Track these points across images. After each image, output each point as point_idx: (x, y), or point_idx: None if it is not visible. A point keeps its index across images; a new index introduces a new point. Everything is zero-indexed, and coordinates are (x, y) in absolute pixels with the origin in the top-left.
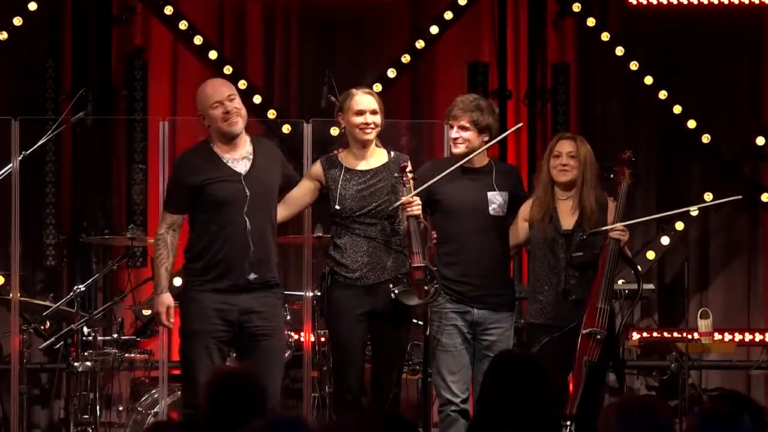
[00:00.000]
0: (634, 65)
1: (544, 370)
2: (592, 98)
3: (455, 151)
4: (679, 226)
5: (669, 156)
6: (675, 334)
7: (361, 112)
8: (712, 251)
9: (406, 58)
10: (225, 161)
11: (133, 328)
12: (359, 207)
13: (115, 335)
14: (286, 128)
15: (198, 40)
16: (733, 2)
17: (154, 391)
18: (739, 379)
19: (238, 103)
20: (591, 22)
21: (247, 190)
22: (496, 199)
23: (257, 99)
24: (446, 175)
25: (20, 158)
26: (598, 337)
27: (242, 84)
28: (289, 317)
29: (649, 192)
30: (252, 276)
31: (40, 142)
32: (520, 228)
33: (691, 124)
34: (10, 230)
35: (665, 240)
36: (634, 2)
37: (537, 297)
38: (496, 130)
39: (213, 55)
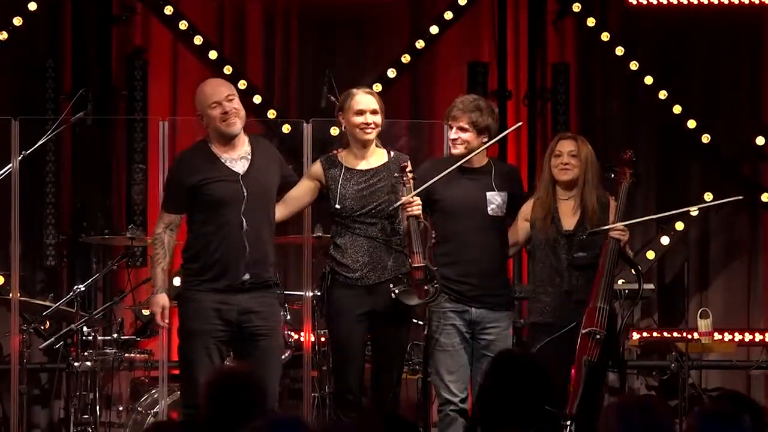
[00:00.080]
0: (634, 65)
1: (544, 370)
2: (592, 98)
3: (454, 152)
4: (679, 226)
5: (669, 156)
6: (675, 334)
7: (361, 112)
8: (712, 251)
9: (406, 58)
10: (223, 161)
11: (133, 328)
12: (359, 206)
13: (115, 335)
14: (286, 128)
15: (198, 40)
16: (733, 2)
17: (154, 391)
18: (739, 379)
19: (237, 103)
20: (591, 22)
21: (244, 190)
22: (494, 200)
23: (257, 99)
24: (446, 175)
25: (20, 158)
26: (598, 336)
27: (242, 84)
28: (289, 317)
29: (649, 192)
30: (246, 276)
31: (40, 142)
32: (521, 228)
33: (691, 124)
34: (10, 230)
35: (665, 240)
36: (634, 2)
37: (539, 297)
38: (496, 130)
39: (213, 55)
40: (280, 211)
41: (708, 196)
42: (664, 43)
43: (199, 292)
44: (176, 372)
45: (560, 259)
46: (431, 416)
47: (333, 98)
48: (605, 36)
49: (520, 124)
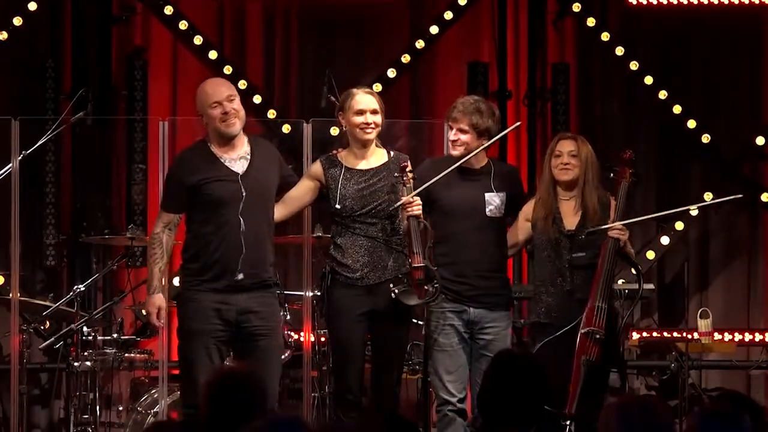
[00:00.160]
0: (634, 65)
1: (543, 370)
2: (592, 98)
3: (453, 153)
4: (679, 226)
5: (669, 156)
6: (675, 334)
7: (361, 112)
8: (712, 251)
9: (406, 58)
10: (222, 161)
11: (133, 328)
12: (360, 206)
13: (115, 335)
14: (286, 128)
15: (198, 40)
16: (733, 2)
17: (153, 391)
18: (739, 379)
19: (237, 104)
20: (591, 22)
21: (243, 190)
22: (493, 201)
23: (257, 99)
24: (446, 175)
25: (20, 158)
26: (597, 336)
27: (242, 84)
28: (289, 317)
29: (649, 192)
30: (240, 276)
31: (40, 142)
32: (522, 228)
33: (691, 124)
34: (10, 230)
35: (665, 240)
36: (634, 2)
37: (541, 297)
38: (496, 132)
39: (213, 55)
40: (280, 211)
41: (708, 196)
42: (664, 43)
43: (199, 292)
44: (176, 372)
45: (562, 259)
46: (431, 416)
47: (333, 98)
48: (605, 36)
49: (518, 123)
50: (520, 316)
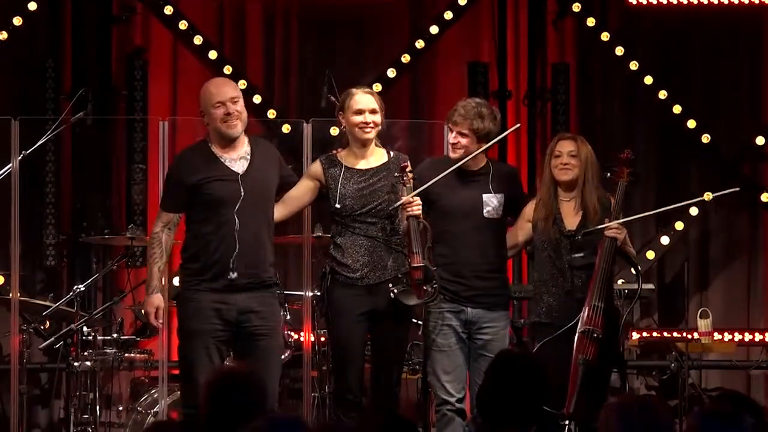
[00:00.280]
0: (634, 65)
1: (543, 370)
2: (592, 98)
3: (453, 155)
4: (679, 226)
5: (669, 156)
6: (675, 334)
7: (360, 111)
8: (712, 251)
9: (406, 58)
10: (223, 161)
11: (133, 328)
12: (360, 206)
13: (115, 335)
14: (286, 128)
15: (198, 40)
16: (733, 2)
17: (153, 391)
18: (739, 379)
19: (240, 106)
20: (591, 22)
21: (242, 190)
22: (491, 202)
23: (257, 99)
24: (445, 176)
25: (20, 158)
26: (594, 335)
27: (242, 84)
28: (288, 317)
29: (648, 192)
30: (234, 275)
31: (40, 142)
32: (523, 229)
33: (691, 124)
34: (10, 230)
35: (665, 240)
36: (634, 2)
37: (542, 297)
38: (496, 134)
39: (213, 55)
40: (280, 211)
41: (708, 197)
42: (664, 43)
43: (199, 292)
44: (176, 372)
45: (562, 259)
46: (431, 416)
47: (333, 98)
48: (605, 36)
49: (518, 125)
50: (520, 316)
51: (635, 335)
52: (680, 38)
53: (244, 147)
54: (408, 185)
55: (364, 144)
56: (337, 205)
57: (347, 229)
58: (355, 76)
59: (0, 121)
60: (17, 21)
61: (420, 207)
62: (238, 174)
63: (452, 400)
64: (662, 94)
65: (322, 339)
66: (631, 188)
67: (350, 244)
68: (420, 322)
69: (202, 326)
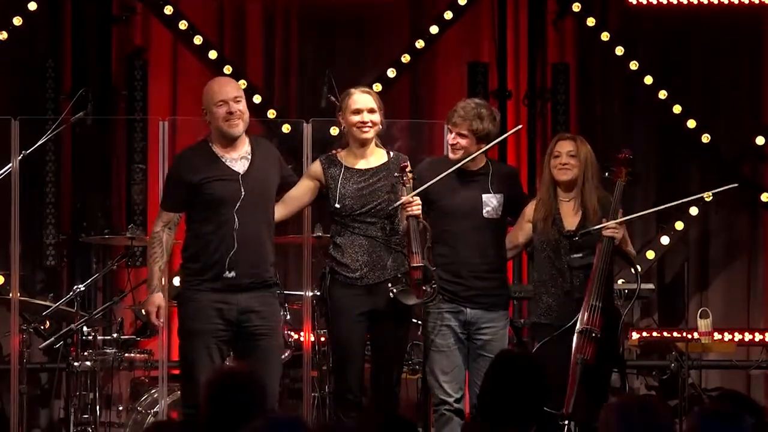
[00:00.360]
0: (634, 65)
1: (543, 371)
2: (592, 98)
3: (452, 156)
4: (679, 226)
5: (669, 156)
6: (675, 334)
7: (358, 111)
8: (712, 251)
9: (406, 58)
10: (223, 160)
11: (133, 328)
12: (359, 206)
13: (115, 335)
14: (286, 128)
15: (198, 40)
16: (733, 2)
17: (153, 391)
18: (738, 379)
19: (242, 106)
20: (591, 22)
21: (242, 190)
22: (490, 202)
23: (257, 99)
24: (445, 176)
25: (20, 158)
26: (593, 335)
27: (242, 84)
28: (288, 317)
29: (648, 192)
30: (231, 274)
31: (40, 142)
32: (523, 229)
33: (691, 124)
34: (10, 230)
35: (665, 240)
36: (634, 2)
37: (542, 297)
38: (496, 135)
39: (213, 55)
40: (280, 211)
41: (708, 197)
42: (664, 43)
43: (199, 292)
44: (176, 372)
45: (562, 259)
46: (431, 416)
47: (333, 98)
48: (605, 36)
49: (519, 127)
50: (520, 316)
51: (635, 335)
52: (680, 38)
53: (245, 147)
54: (408, 185)
55: (364, 144)
56: (337, 205)
57: (347, 228)
58: (355, 76)
59: (0, 121)
60: (17, 21)
61: (420, 207)
62: (239, 174)
63: (450, 400)
64: (662, 94)
65: (322, 339)
66: (631, 188)
67: (350, 244)
68: (420, 322)
69: (203, 326)
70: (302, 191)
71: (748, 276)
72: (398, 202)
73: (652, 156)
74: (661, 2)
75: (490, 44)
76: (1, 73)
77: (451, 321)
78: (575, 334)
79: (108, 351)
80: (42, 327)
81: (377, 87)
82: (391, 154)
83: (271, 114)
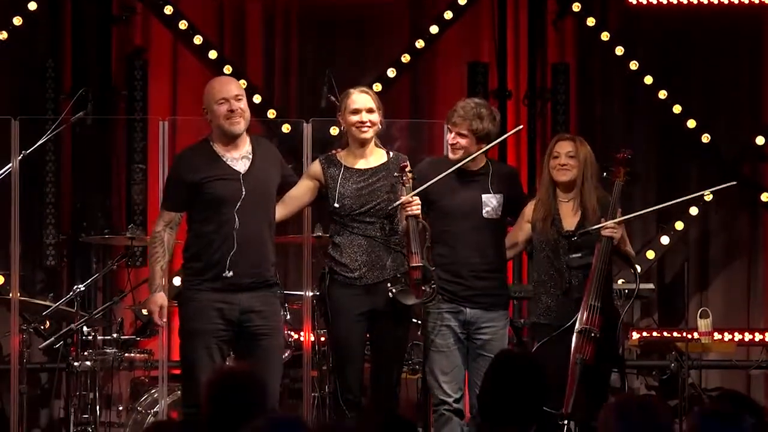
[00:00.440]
0: (634, 65)
1: (543, 371)
2: (592, 98)
3: (452, 156)
4: (679, 226)
5: (669, 156)
6: (675, 334)
7: (357, 111)
8: (712, 251)
9: (406, 58)
10: (225, 160)
11: (133, 328)
12: (358, 205)
13: (115, 335)
14: (286, 128)
15: (198, 40)
16: (733, 2)
17: (153, 391)
18: (738, 379)
19: (243, 104)
20: (591, 22)
21: (243, 189)
22: (490, 202)
23: (257, 99)
24: (444, 176)
25: (20, 158)
26: (592, 334)
27: (242, 84)
28: (288, 317)
29: (648, 192)
30: (229, 273)
31: (40, 142)
32: (522, 229)
33: (691, 124)
34: (10, 230)
35: (665, 240)
36: (634, 2)
37: (541, 297)
38: (496, 135)
39: (213, 55)
40: (280, 211)
41: (708, 197)
42: (664, 43)
43: (200, 292)
44: (176, 372)
45: (561, 259)
46: (431, 416)
47: (333, 98)
48: (605, 36)
49: (520, 127)
50: (520, 316)
51: (635, 335)
52: (680, 38)
53: (245, 146)
54: (407, 185)
55: (363, 144)
56: (336, 205)
57: (346, 228)
58: (355, 76)
59: (0, 121)
60: (17, 21)
61: (419, 207)
62: (240, 173)
63: (450, 400)
64: (662, 94)
65: (322, 339)
66: (631, 188)
67: (349, 244)
68: (420, 322)
69: (204, 326)
70: (302, 191)
71: (748, 276)
72: (397, 202)
73: (652, 156)
74: (661, 2)
75: (490, 44)
76: (1, 73)
77: (450, 321)
78: (574, 334)
79: (108, 351)
80: (42, 327)
81: (377, 87)
82: (391, 154)
83: (271, 114)
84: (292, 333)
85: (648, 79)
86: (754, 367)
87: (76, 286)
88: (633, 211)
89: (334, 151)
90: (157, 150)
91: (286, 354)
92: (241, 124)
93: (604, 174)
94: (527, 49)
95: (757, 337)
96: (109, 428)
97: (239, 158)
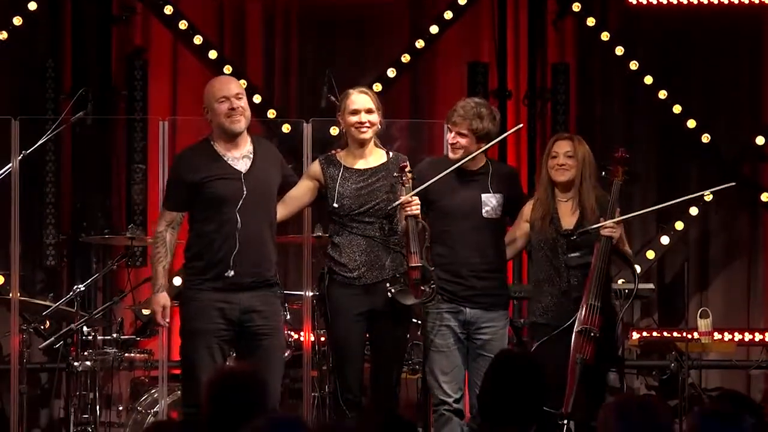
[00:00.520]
0: (634, 65)
1: (543, 370)
2: (592, 98)
3: (452, 156)
4: (679, 226)
5: (669, 156)
6: (675, 334)
7: (356, 112)
8: (712, 251)
9: (406, 58)
10: (225, 159)
11: (133, 328)
12: (357, 205)
13: (115, 335)
14: (286, 128)
15: (198, 40)
16: (733, 2)
17: (153, 391)
18: (738, 379)
19: (244, 102)
20: (591, 22)
21: (244, 189)
22: (490, 202)
23: (257, 99)
24: (444, 176)
25: (20, 158)
26: (591, 334)
27: (242, 84)
28: (288, 317)
29: (648, 192)
30: (230, 273)
31: (40, 142)
32: (521, 229)
33: (691, 123)
34: (10, 230)
35: (665, 240)
36: (634, 2)
37: (539, 297)
38: (496, 134)
39: (213, 55)
40: (280, 212)
41: (708, 197)
42: (664, 43)
43: (202, 291)
44: (176, 372)
45: (559, 258)
46: (431, 416)
47: (333, 98)
48: (605, 36)
49: (520, 126)
50: (520, 315)
51: (635, 335)
52: (680, 38)
53: (246, 146)
54: (407, 185)
55: (362, 144)
56: (335, 205)
57: (345, 228)
58: (355, 76)
59: (0, 121)
60: (17, 21)
61: (418, 207)
62: (241, 172)
63: (450, 400)
64: (662, 94)
65: (322, 339)
66: (631, 188)
67: (348, 244)
68: (420, 322)
69: (205, 326)
70: (302, 191)
71: (748, 276)
72: (397, 202)
73: (652, 156)
74: (661, 2)
75: (490, 44)
76: (1, 73)
77: (450, 321)
78: (574, 334)
79: (108, 351)
80: (42, 327)
81: (377, 87)
82: (391, 154)
83: (271, 114)
84: (292, 333)
85: (648, 79)
86: (754, 367)
87: (76, 286)
88: (632, 211)
89: (333, 151)
90: (157, 150)
91: (287, 354)
92: (241, 123)
93: (603, 173)
94: (527, 49)
95: (757, 337)
96: (109, 428)
97: (240, 158)
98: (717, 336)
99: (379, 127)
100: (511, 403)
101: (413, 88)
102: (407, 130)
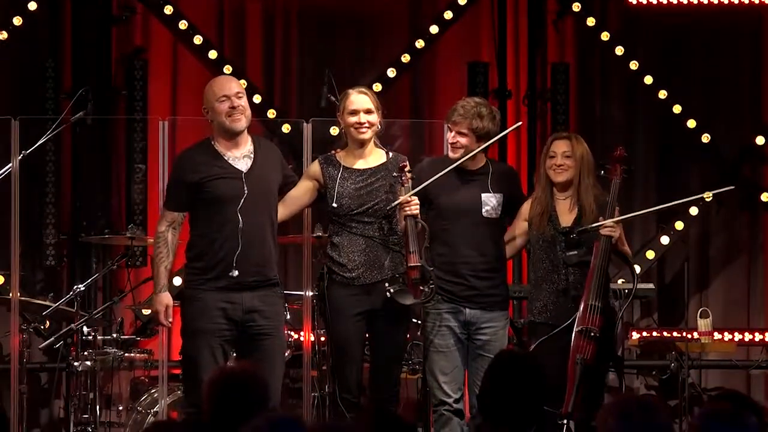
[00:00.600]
0: (634, 65)
1: (543, 370)
2: (592, 98)
3: (452, 155)
4: (679, 226)
5: (669, 156)
6: (675, 334)
7: (355, 112)
8: (712, 251)
9: (406, 58)
10: (226, 158)
11: (133, 328)
12: (357, 205)
13: (115, 335)
14: (286, 128)
15: (198, 40)
16: (733, 2)
17: (153, 391)
18: (738, 379)
19: (244, 101)
20: (591, 21)
21: (245, 188)
22: (489, 201)
23: (257, 99)
24: (443, 175)
25: (20, 158)
26: (591, 334)
27: (242, 84)
28: (289, 317)
29: (648, 192)
30: (234, 273)
31: (40, 142)
32: (520, 228)
33: (691, 123)
34: (10, 230)
35: (665, 240)
36: (634, 2)
37: (538, 296)
38: (496, 134)
39: (213, 55)
40: (281, 212)
41: (708, 197)
42: (664, 43)
43: (204, 291)
44: (176, 372)
45: (558, 256)
46: (431, 416)
47: (333, 98)
48: (605, 36)
49: (519, 123)
50: (520, 315)
51: (635, 335)
52: (680, 38)
53: (247, 145)
54: (406, 185)
55: (362, 144)
56: (334, 205)
57: (344, 228)
58: (355, 76)
59: (0, 121)
60: (17, 21)
61: (418, 207)
62: (242, 172)
63: (450, 400)
64: (662, 94)
65: (322, 339)
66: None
67: (347, 244)
68: (420, 322)
69: (207, 325)
70: (302, 191)
71: (748, 276)
72: (396, 202)
73: (652, 156)
74: (661, 2)
75: (490, 44)
76: (1, 73)
77: (450, 321)
78: (574, 334)
79: (108, 351)
80: (42, 327)
81: (377, 87)
82: (390, 154)
83: (271, 114)
84: (292, 333)
85: (648, 79)
86: (754, 367)
87: (76, 286)
88: (631, 211)
89: (333, 151)
90: (157, 150)
91: (287, 353)
92: (242, 121)
93: (602, 172)
94: (527, 49)
95: (757, 337)
96: (109, 428)
97: (241, 157)
98: (717, 336)
99: (379, 127)
100: (511, 403)
101: (413, 88)
102: (407, 130)
